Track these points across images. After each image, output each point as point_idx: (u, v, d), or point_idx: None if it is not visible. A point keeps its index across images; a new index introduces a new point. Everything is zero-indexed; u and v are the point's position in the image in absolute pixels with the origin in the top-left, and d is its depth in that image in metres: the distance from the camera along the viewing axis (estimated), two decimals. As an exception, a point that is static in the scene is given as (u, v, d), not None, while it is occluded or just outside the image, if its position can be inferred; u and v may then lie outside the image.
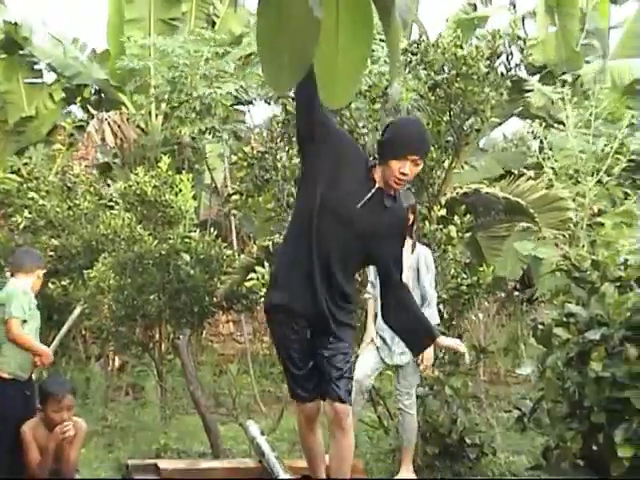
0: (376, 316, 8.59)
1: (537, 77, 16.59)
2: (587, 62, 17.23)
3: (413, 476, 8.41)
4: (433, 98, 10.00)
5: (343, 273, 5.86)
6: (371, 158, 9.42)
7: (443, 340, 6.48)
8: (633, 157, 13.71)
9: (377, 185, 5.72)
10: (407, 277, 8.67)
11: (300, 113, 5.84)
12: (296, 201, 6.50)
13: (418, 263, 8.70)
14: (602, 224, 11.30)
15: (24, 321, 7.97)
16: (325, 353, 5.83)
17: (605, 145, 13.11)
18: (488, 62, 10.03)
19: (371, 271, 8.72)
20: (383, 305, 6.26)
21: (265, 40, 2.09)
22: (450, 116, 10.01)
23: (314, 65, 2.07)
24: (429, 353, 8.53)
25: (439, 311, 8.95)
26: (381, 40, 9.64)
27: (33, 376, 8.18)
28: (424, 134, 5.98)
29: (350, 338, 6.25)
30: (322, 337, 5.84)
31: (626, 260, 9.39)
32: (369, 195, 5.70)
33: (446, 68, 10.03)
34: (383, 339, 8.51)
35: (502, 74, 10.33)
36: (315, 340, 5.85)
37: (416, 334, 6.24)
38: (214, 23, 16.08)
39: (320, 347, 5.85)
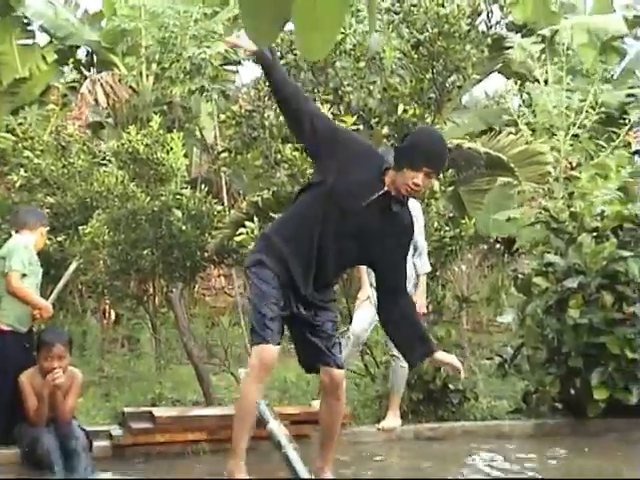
0: (369, 274, 8.63)
1: (517, 36, 16.53)
2: (565, 19, 17.17)
3: (399, 421, 8.47)
4: (416, 56, 9.98)
5: (335, 268, 5.89)
6: (355, 117, 9.52)
7: (440, 355, 6.19)
8: (606, 110, 13.74)
9: (386, 188, 5.65)
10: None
11: (300, 140, 5.86)
12: (310, 181, 6.38)
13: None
14: (578, 177, 11.30)
15: (24, 275, 7.98)
16: (316, 323, 5.83)
17: (580, 100, 13.11)
18: (469, 20, 10.01)
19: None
20: (380, 309, 6.11)
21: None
22: (433, 74, 10.00)
23: (292, 17, 2.06)
24: (422, 303, 8.59)
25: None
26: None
27: (34, 329, 8.18)
28: (444, 150, 5.79)
29: (334, 307, 6.30)
30: (307, 312, 5.84)
31: (602, 211, 9.42)
32: (376, 195, 5.62)
33: (428, 27, 9.99)
34: None
35: (483, 32, 10.34)
36: (300, 315, 5.83)
37: (413, 347, 6.10)
38: (203, -16, 15.98)
39: (306, 321, 5.85)
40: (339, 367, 5.92)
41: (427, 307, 9.17)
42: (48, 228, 8.41)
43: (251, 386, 5.77)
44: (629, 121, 15.38)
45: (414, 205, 8.86)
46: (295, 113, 5.75)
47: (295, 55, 10.10)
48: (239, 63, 15.39)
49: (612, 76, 15.49)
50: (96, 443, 7.72)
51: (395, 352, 8.42)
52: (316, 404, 8.78)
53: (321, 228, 5.64)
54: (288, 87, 5.81)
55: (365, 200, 5.61)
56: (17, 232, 8.26)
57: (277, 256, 5.76)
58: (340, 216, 5.61)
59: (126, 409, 8.39)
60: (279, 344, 5.68)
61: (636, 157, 15.75)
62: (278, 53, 10.23)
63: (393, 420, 8.32)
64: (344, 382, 6.01)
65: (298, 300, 5.80)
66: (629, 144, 15.77)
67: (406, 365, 8.01)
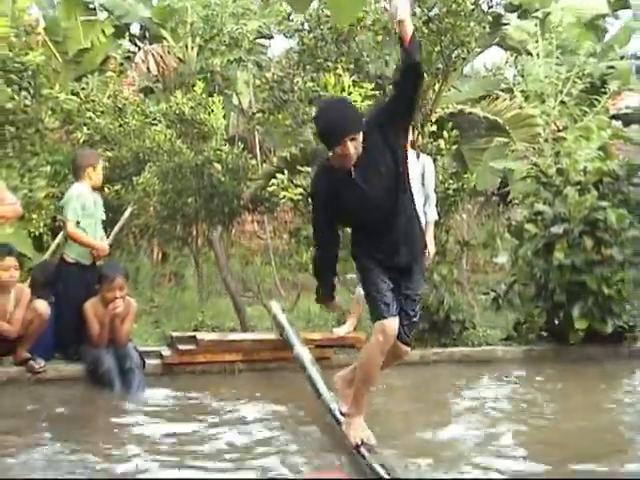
0: None
1: (514, 14, 16.36)
2: (556, 1, 16.96)
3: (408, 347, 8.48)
4: (426, 31, 9.88)
5: (389, 216, 5.43)
6: (373, 83, 9.48)
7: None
8: (590, 80, 13.67)
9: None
10: (413, 180, 8.72)
11: None
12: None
13: (423, 169, 8.74)
14: (564, 138, 11.22)
15: (78, 222, 8.03)
16: (407, 292, 5.56)
17: (567, 71, 13.05)
18: (473, 0, 9.90)
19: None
20: None
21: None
22: (440, 47, 9.92)
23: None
24: (430, 247, 8.60)
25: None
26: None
27: (97, 264, 8.23)
28: (342, 117, 5.23)
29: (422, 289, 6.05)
30: (405, 277, 5.55)
31: (585, 167, 9.39)
32: (350, 181, 5.27)
33: (438, 6, 9.90)
34: None
35: (484, 11, 10.21)
36: (399, 279, 5.52)
37: None
38: (240, -32, 15.86)
39: (403, 286, 5.54)
40: (408, 345, 5.69)
41: (437, 252, 9.18)
42: (97, 164, 8.33)
43: (377, 356, 5.40)
44: (609, 90, 15.30)
45: (429, 163, 8.89)
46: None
47: (322, 30, 10.04)
48: (271, 37, 15.29)
49: (595, 51, 15.31)
50: (148, 361, 7.83)
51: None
52: (337, 331, 8.84)
53: (368, 227, 5.43)
54: None
55: (352, 190, 5.31)
56: (77, 180, 8.31)
57: (366, 255, 5.49)
58: (362, 209, 5.33)
59: (173, 333, 8.46)
60: (394, 315, 5.35)
61: (614, 121, 15.62)
62: (307, 26, 10.19)
63: (402, 346, 8.33)
64: (405, 356, 5.79)
65: (396, 273, 5.50)
66: (608, 110, 15.68)
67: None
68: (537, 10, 15.57)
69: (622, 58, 16.68)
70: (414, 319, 5.65)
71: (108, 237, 8.81)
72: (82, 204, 8.08)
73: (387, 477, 4.80)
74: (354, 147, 5.18)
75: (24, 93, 10.09)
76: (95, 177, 8.28)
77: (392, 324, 5.33)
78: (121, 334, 7.73)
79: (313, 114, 6.14)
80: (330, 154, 5.31)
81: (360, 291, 8.79)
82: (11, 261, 7.52)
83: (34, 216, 10.09)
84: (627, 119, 16.98)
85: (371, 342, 5.43)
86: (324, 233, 5.56)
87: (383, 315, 5.32)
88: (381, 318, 5.33)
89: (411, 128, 8.45)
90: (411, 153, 8.64)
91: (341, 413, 5.86)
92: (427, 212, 8.64)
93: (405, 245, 5.48)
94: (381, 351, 5.40)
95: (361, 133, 5.20)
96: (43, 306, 7.56)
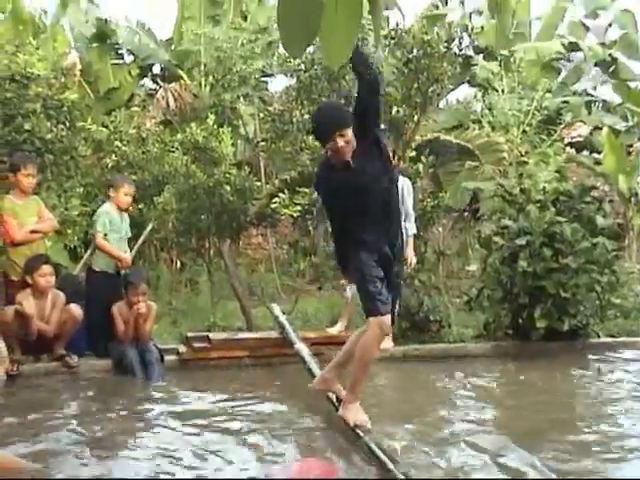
0: None
1: (481, 55, 16.35)
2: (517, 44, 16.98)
3: (392, 343, 8.42)
4: (406, 71, 9.87)
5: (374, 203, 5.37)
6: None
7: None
8: (547, 113, 13.74)
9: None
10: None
11: None
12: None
13: (402, 190, 8.66)
14: (526, 162, 11.20)
15: (105, 235, 8.01)
16: (395, 280, 5.53)
17: (527, 105, 13.09)
18: (446, 44, 9.89)
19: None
20: None
21: (284, 17, 2.04)
22: (418, 84, 9.89)
23: (319, 34, 2.02)
24: (411, 257, 8.56)
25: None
26: (370, 29, 9.52)
27: (122, 272, 8.17)
28: (329, 116, 5.31)
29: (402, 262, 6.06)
30: (391, 266, 5.47)
31: (544, 187, 9.36)
32: (349, 172, 5.25)
33: (415, 49, 9.87)
34: None
35: (456, 53, 10.17)
36: (389, 269, 5.43)
37: None
38: (246, 17, 15.82)
39: (392, 274, 5.47)
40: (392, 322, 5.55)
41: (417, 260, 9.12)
42: (127, 188, 8.31)
43: (375, 348, 5.32)
44: (564, 121, 15.36)
45: (407, 184, 8.82)
46: None
47: (316, 70, 10.00)
48: (273, 75, 15.28)
49: (551, 87, 15.31)
50: (167, 357, 7.78)
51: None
52: (330, 330, 8.77)
53: (358, 200, 5.31)
54: None
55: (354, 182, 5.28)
56: (107, 200, 8.30)
57: (367, 250, 5.35)
58: (354, 204, 5.30)
59: (189, 333, 8.39)
60: (389, 311, 5.28)
61: (568, 148, 15.65)
62: (303, 67, 10.14)
63: (387, 342, 8.26)
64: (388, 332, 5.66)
65: (386, 261, 5.41)
66: (563, 138, 15.71)
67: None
68: (501, 53, 15.58)
69: (574, 94, 16.68)
70: (397, 302, 5.74)
71: (132, 249, 8.76)
72: (110, 220, 8.08)
73: (382, 456, 4.71)
74: (345, 142, 5.16)
75: (61, 126, 10.09)
76: (119, 197, 8.23)
77: (388, 320, 5.28)
78: (144, 331, 7.73)
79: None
80: (328, 152, 5.33)
81: (349, 294, 8.74)
82: (47, 269, 7.47)
83: (69, 231, 10.10)
84: (579, 146, 17.03)
85: (368, 336, 5.30)
86: (334, 221, 5.61)
87: (380, 312, 5.23)
88: (378, 314, 5.22)
89: (392, 154, 8.43)
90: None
91: (337, 400, 5.76)
92: (407, 227, 8.56)
93: (398, 228, 5.56)
94: (378, 343, 5.35)
95: (350, 128, 5.17)
96: (76, 309, 7.55)
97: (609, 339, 9.40)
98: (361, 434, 5.14)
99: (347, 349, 5.71)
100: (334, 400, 5.84)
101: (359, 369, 5.42)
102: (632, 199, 14.51)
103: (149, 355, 7.54)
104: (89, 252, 8.62)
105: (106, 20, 15.28)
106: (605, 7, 17.59)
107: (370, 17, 2.19)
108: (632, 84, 16.55)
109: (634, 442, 5.33)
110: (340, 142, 5.15)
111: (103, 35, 15.28)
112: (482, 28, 13.25)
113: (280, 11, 2.04)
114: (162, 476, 4.64)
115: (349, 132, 5.16)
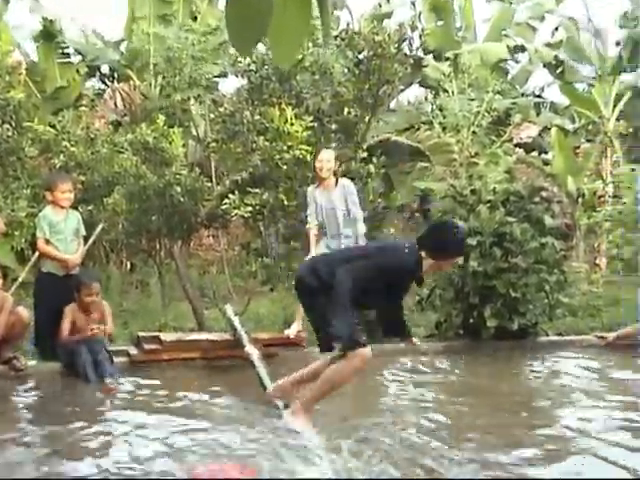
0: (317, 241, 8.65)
1: (430, 56, 16.49)
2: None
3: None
4: (357, 72, 9.92)
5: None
6: (312, 117, 9.43)
7: None
8: (496, 114, 13.88)
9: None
10: (339, 204, 8.66)
11: None
12: None
13: (344, 191, 8.66)
14: (476, 163, 11.32)
15: (47, 240, 7.88)
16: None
17: (477, 106, 13.21)
18: (397, 45, 9.96)
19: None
20: None
21: (232, 17, 2.04)
22: (369, 85, 9.95)
23: (269, 34, 2.02)
24: None
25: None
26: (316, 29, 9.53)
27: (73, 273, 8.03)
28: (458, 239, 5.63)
29: None
30: None
31: (494, 188, 9.45)
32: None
33: (366, 50, 9.93)
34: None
35: (406, 54, 10.26)
36: None
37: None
38: (196, 17, 15.76)
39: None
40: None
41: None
42: (63, 185, 8.05)
43: (351, 375, 5.29)
44: (513, 122, 15.55)
45: (348, 184, 8.80)
46: None
47: (267, 70, 10.00)
48: (224, 76, 15.23)
49: (500, 89, 15.50)
50: (117, 359, 7.67)
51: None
52: (287, 332, 8.72)
53: None
54: None
55: None
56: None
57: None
58: None
59: (140, 334, 8.33)
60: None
61: (517, 149, 15.83)
62: (254, 67, 10.12)
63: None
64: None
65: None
66: (512, 139, 15.89)
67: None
68: (447, 54, 15.73)
69: (523, 95, 16.91)
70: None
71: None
72: (49, 223, 7.92)
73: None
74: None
75: (6, 126, 9.94)
76: (58, 197, 8.01)
77: (369, 352, 5.23)
78: (99, 332, 7.52)
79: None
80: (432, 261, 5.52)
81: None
82: None
83: (16, 233, 9.96)
84: (528, 147, 17.25)
85: (347, 365, 5.20)
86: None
87: (363, 343, 5.19)
88: (360, 346, 5.17)
89: (334, 158, 8.50)
90: (332, 180, 8.64)
91: (285, 406, 5.70)
92: (358, 227, 8.59)
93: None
94: (355, 374, 5.32)
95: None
96: (24, 311, 7.44)
97: (558, 337, 9.55)
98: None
99: (316, 370, 5.60)
100: (281, 405, 5.80)
101: (324, 390, 5.36)
102: (579, 199, 14.76)
103: (100, 355, 7.43)
104: (36, 255, 8.49)
105: (52, 20, 15.12)
106: (552, 11, 17.88)
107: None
108: (579, 86, 16.83)
109: (585, 441, 5.35)
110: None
111: (49, 34, 15.13)
112: (423, 30, 13.31)
113: (228, 9, 2.04)
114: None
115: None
